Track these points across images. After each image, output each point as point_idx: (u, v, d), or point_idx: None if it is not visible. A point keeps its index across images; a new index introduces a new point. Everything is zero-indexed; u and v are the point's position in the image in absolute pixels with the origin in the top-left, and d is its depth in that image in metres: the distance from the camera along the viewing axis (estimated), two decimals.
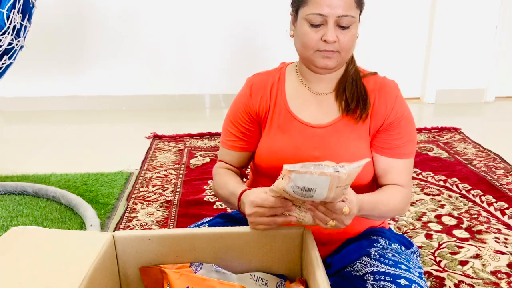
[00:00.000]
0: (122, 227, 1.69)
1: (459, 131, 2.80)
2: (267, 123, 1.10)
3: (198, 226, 1.21)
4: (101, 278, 0.88)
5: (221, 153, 1.19)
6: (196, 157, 2.41)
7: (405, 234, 1.61)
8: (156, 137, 2.77)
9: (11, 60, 1.67)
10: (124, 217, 1.77)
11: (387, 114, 1.05)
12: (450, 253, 1.50)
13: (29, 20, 1.67)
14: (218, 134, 2.67)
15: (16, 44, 1.63)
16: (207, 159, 2.37)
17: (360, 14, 1.01)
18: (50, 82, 3.34)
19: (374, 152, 1.08)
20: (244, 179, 1.19)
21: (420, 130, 2.81)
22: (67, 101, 3.38)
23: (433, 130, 2.82)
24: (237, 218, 1.23)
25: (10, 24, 1.55)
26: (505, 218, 1.72)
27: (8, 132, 3.03)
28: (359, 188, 1.05)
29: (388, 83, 1.08)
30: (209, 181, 2.10)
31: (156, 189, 2.02)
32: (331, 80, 1.08)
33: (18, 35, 1.63)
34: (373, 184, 1.14)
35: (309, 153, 1.05)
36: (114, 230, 1.63)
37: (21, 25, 1.62)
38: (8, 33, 1.56)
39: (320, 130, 1.06)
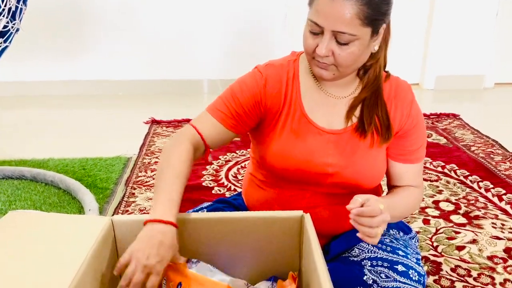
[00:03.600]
0: (121, 212, 1.69)
1: (458, 117, 2.80)
2: (278, 123, 1.03)
3: (197, 211, 1.21)
4: (100, 262, 0.88)
5: (202, 119, 1.04)
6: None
7: (402, 220, 1.61)
8: (154, 122, 2.76)
9: (6, 43, 1.64)
10: (123, 201, 1.77)
11: (403, 121, 1.03)
12: (447, 238, 1.51)
13: (24, 2, 1.65)
14: None
15: (12, 27, 1.61)
16: None
17: (376, 29, 0.92)
18: (47, 66, 3.31)
19: (388, 158, 1.08)
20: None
21: None
22: (64, 86, 3.36)
23: (431, 116, 2.81)
24: (235, 204, 1.23)
25: (5, 6, 1.53)
26: (502, 204, 1.73)
27: (4, 117, 3.01)
28: (366, 191, 1.05)
29: (402, 87, 1.05)
30: (207, 167, 2.10)
31: (155, 174, 2.01)
32: (345, 84, 1.03)
33: (13, 17, 1.60)
34: (378, 186, 1.14)
35: (323, 160, 1.02)
36: (112, 215, 1.63)
37: (16, 7, 1.60)
38: (3, 15, 1.54)
39: (335, 136, 1.02)
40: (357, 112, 1.02)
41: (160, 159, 0.97)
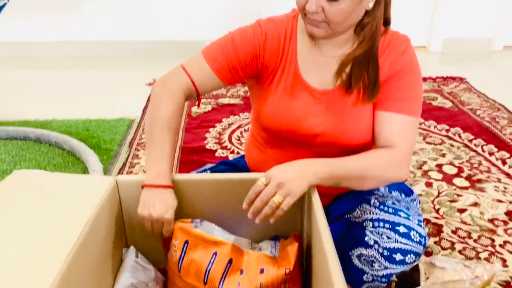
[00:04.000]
0: (125, 173, 1.71)
1: (464, 80, 2.76)
2: (274, 80, 1.02)
3: (200, 172, 1.21)
4: (105, 221, 0.89)
5: (197, 66, 1.01)
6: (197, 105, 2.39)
7: (405, 182, 1.62)
8: None
9: (5, 1, 1.61)
10: (127, 163, 1.78)
11: (391, 69, 0.98)
12: (449, 201, 1.52)
13: None
14: None
15: None
16: (209, 107, 2.35)
17: None
18: (48, 26, 3.26)
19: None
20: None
21: (424, 79, 2.77)
22: (65, 47, 3.31)
23: (437, 79, 2.77)
24: (238, 165, 1.23)
25: None
26: (506, 168, 1.73)
27: (6, 77, 2.99)
28: (357, 150, 1.00)
29: (397, 37, 0.99)
30: (210, 129, 2.10)
31: None
32: (342, 42, 0.99)
33: None
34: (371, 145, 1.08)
35: (313, 120, 1.01)
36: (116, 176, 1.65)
37: None
38: None
39: (326, 96, 1.01)
40: (348, 70, 0.99)
41: (150, 107, 0.97)
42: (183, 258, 0.88)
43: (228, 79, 1.02)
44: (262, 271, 0.87)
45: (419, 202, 1.21)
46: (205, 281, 0.86)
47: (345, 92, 0.98)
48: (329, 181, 0.90)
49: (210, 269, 0.86)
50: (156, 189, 0.89)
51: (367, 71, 0.96)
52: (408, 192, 1.17)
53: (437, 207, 1.49)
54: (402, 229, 0.95)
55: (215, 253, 0.87)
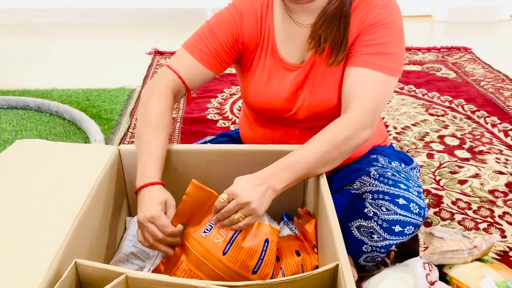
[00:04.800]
0: (126, 143, 1.71)
1: (469, 51, 2.72)
2: (253, 62, 1.01)
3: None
4: (108, 190, 0.90)
5: (180, 59, 0.98)
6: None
7: (406, 153, 1.62)
8: (157, 53, 2.70)
9: None
10: (128, 133, 1.78)
11: (361, 21, 0.92)
12: (450, 172, 1.52)
13: None
14: None
15: None
16: None
17: None
18: None
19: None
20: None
21: (429, 50, 2.73)
22: (65, 14, 3.26)
23: (442, 50, 2.73)
24: (237, 138, 1.23)
25: None
26: (508, 140, 1.72)
27: (6, 45, 2.95)
28: (326, 115, 0.99)
29: None
30: (212, 99, 2.08)
31: None
32: (314, 10, 0.96)
33: None
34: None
35: (295, 93, 1.00)
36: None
37: None
38: None
39: (304, 69, 0.99)
40: (320, 31, 0.95)
41: (138, 113, 0.94)
42: (232, 242, 0.79)
43: (214, 66, 0.99)
44: (298, 253, 0.84)
45: (419, 171, 1.21)
46: (255, 270, 0.78)
47: (318, 55, 0.95)
48: (295, 182, 0.84)
49: (263, 257, 0.78)
50: (144, 189, 0.82)
51: (338, 29, 0.92)
52: (408, 161, 1.17)
53: (437, 178, 1.49)
54: (401, 201, 0.96)
55: (267, 240, 0.80)
